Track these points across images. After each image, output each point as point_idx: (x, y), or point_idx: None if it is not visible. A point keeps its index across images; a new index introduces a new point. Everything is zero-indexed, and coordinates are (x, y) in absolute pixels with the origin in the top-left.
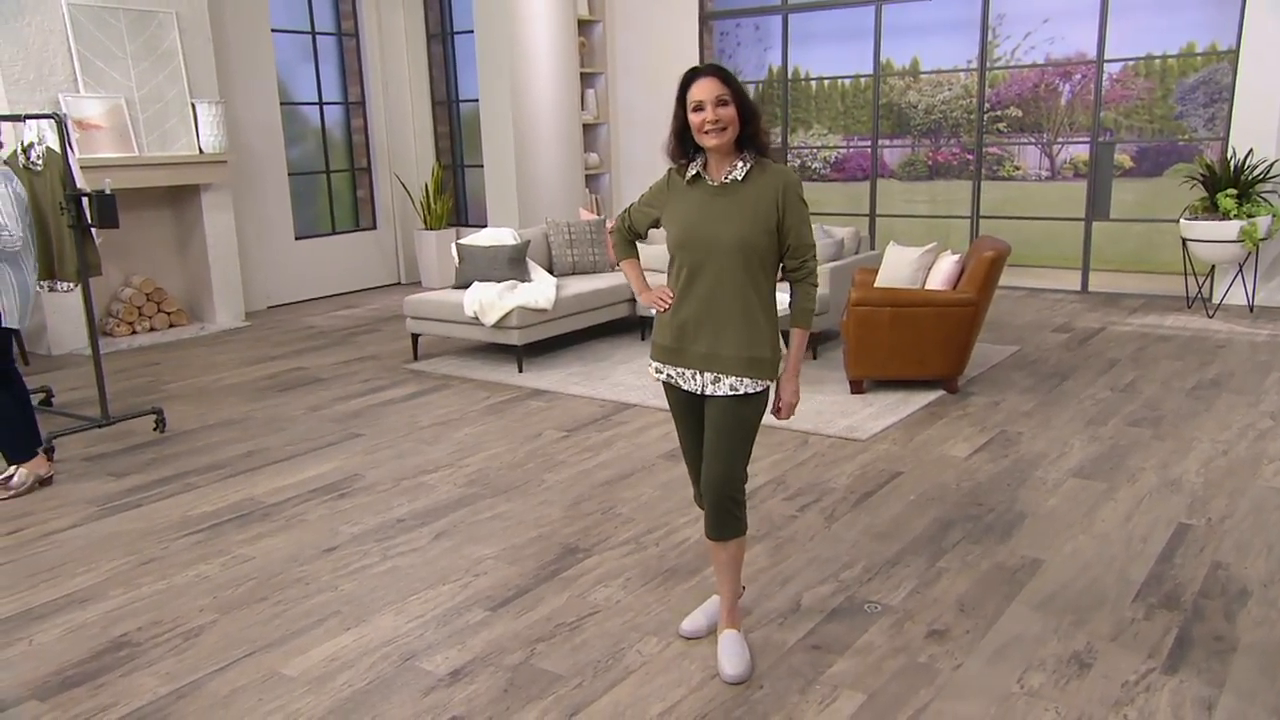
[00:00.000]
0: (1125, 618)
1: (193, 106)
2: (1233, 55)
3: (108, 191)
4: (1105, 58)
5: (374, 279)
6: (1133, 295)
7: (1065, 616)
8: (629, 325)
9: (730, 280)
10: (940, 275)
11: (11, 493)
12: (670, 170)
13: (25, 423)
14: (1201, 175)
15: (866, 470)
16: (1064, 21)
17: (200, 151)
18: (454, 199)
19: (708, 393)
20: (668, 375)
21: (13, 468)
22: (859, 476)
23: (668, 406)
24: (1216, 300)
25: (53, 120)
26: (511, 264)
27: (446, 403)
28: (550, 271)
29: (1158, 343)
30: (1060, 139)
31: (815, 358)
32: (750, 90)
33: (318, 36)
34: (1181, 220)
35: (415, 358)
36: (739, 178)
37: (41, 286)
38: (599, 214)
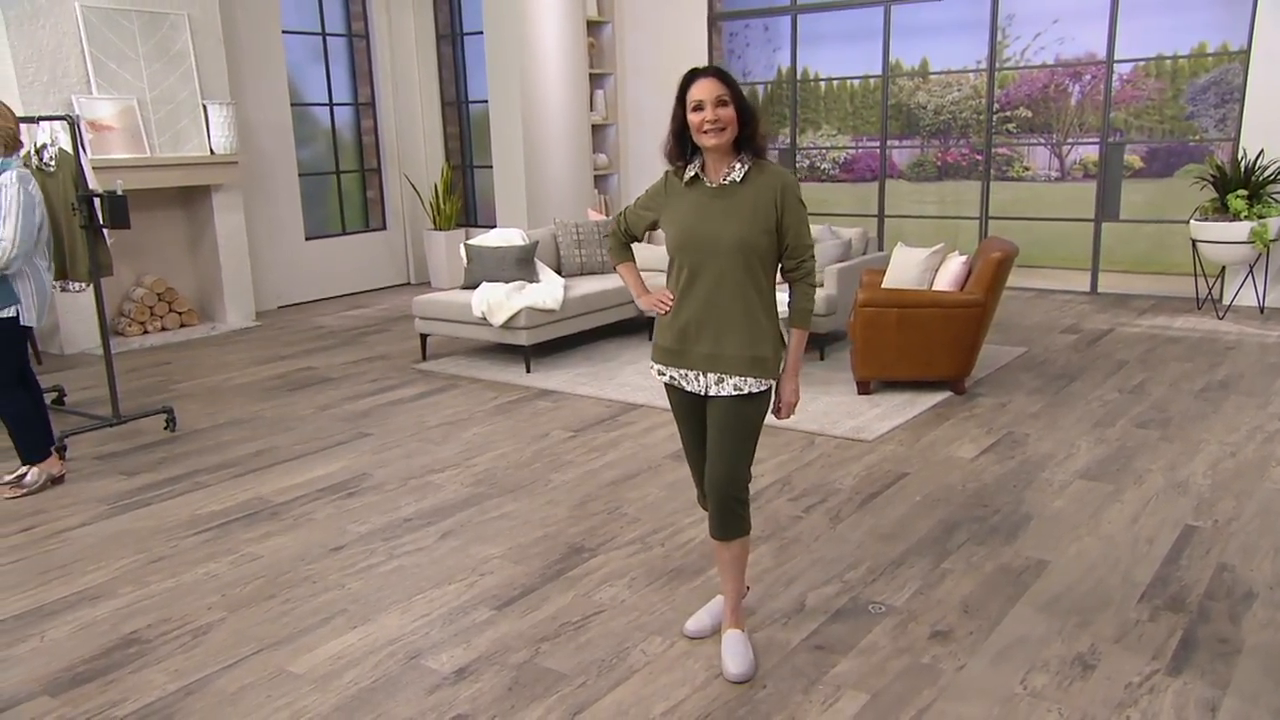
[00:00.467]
0: (1130, 619)
1: (204, 108)
2: (1244, 56)
3: (119, 192)
4: (1115, 58)
5: (383, 279)
6: (1142, 296)
7: (1069, 618)
8: (637, 326)
9: (731, 281)
10: (948, 276)
11: (24, 491)
12: (667, 173)
13: (40, 423)
14: (1212, 176)
15: (872, 471)
16: (1074, 22)
17: (211, 152)
18: (463, 200)
19: (711, 393)
20: (670, 377)
21: (25, 466)
22: (865, 477)
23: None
24: (1227, 302)
25: (65, 122)
26: (520, 264)
27: (454, 403)
28: (558, 272)
29: (1167, 344)
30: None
31: (823, 358)
32: (759, 91)
33: (328, 38)
34: (1192, 221)
35: (424, 358)
36: (737, 179)
37: (54, 286)
38: (607, 214)
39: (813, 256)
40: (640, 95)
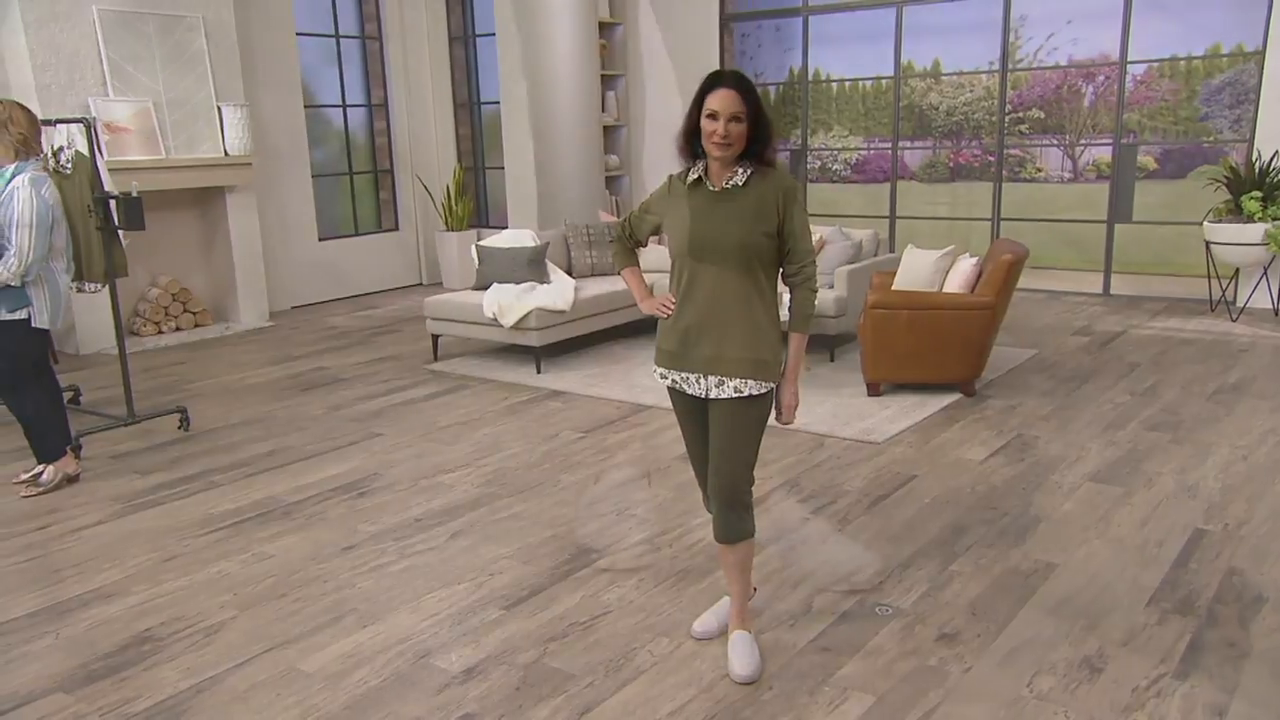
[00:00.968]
0: (1138, 623)
1: (219, 109)
2: (1259, 56)
3: (134, 194)
4: (1129, 59)
5: (396, 280)
6: (1155, 298)
7: (1077, 621)
8: (647, 327)
9: (732, 283)
10: (958, 278)
11: (40, 490)
12: (671, 176)
13: (58, 422)
14: (1226, 178)
15: (881, 473)
16: (1087, 23)
17: (226, 154)
18: (475, 201)
19: (712, 396)
20: (672, 380)
21: (41, 465)
22: (873, 479)
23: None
24: (1240, 304)
25: (81, 124)
26: (531, 265)
27: (465, 403)
28: (569, 273)
29: (1179, 346)
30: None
31: (832, 360)
32: (771, 92)
33: (341, 40)
34: (1205, 223)
35: (435, 358)
36: (739, 183)
37: (71, 288)
38: (618, 216)
39: (814, 262)
40: (652, 97)
